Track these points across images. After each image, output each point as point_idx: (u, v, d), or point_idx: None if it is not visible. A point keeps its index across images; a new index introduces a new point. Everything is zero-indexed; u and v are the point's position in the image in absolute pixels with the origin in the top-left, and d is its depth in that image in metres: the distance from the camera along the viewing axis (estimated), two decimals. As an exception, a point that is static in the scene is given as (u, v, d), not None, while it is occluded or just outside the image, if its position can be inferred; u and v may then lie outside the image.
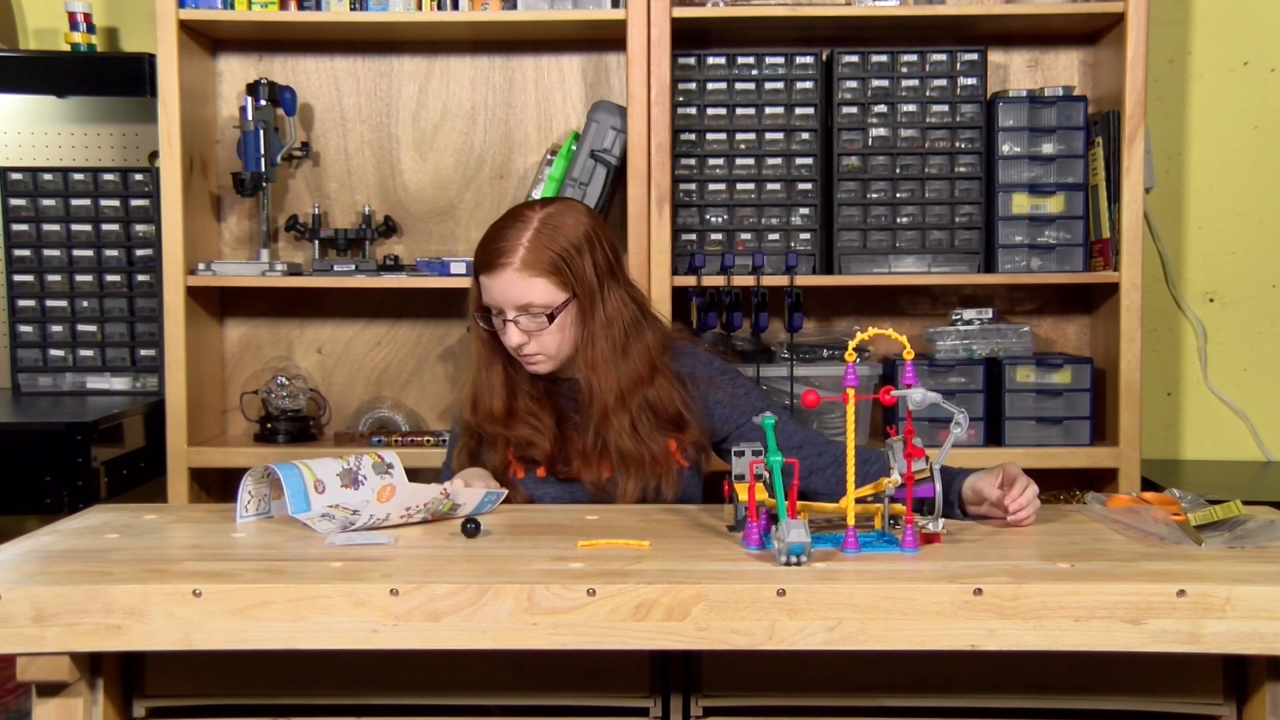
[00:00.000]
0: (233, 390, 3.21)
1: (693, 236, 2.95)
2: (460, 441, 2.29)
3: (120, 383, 3.25)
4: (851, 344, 1.82)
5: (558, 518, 2.03)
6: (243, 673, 1.71)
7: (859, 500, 1.80)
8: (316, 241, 3.11)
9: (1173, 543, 1.77)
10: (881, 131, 2.94)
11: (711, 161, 2.95)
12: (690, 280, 2.88)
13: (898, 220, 2.95)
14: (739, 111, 2.94)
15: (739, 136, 2.94)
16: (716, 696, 1.71)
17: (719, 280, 2.87)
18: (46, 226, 3.24)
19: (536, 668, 1.70)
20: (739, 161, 2.95)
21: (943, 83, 2.94)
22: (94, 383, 3.26)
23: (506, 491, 2.10)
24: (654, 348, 2.22)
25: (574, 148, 2.98)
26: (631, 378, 2.18)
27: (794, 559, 1.65)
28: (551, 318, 2.14)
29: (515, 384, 2.23)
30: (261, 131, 2.99)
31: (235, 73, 3.16)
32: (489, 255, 2.16)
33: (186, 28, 2.94)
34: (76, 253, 3.25)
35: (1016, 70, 3.14)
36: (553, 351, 2.18)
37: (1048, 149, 2.95)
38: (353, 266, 3.02)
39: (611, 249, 2.22)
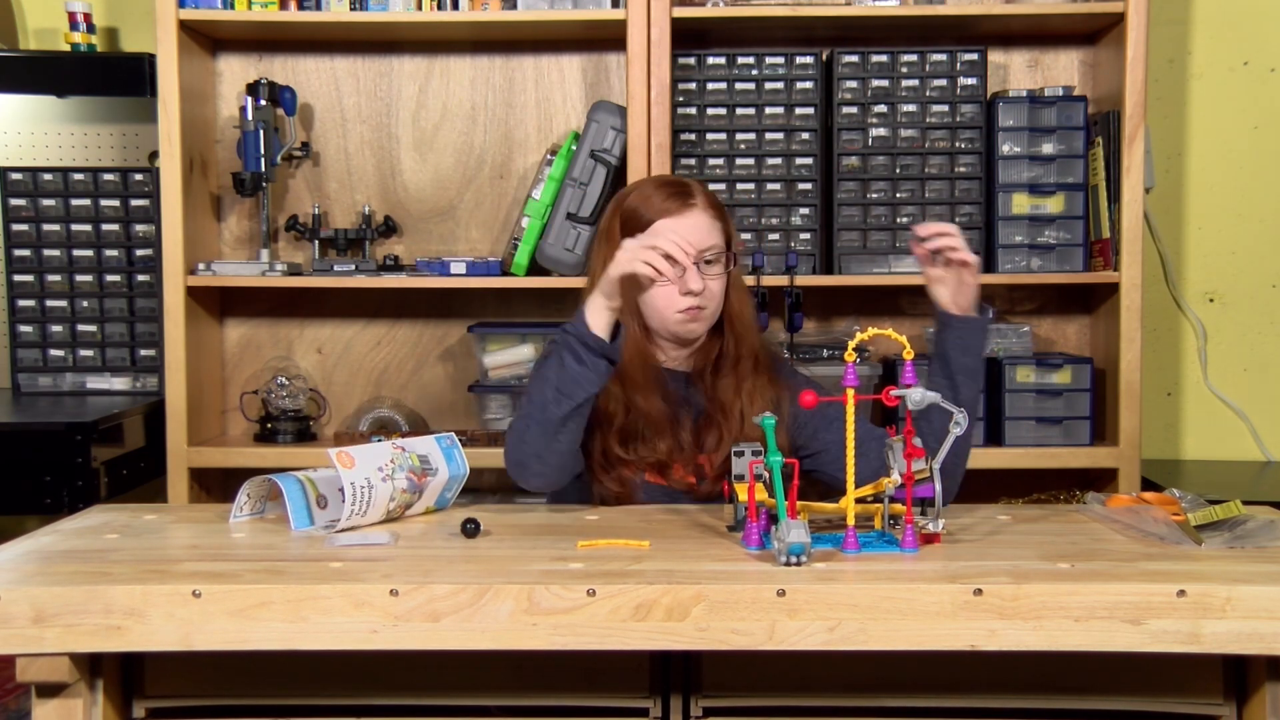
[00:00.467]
0: (233, 390, 3.21)
1: (693, 236, 2.95)
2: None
3: (120, 383, 3.25)
4: (851, 344, 1.82)
5: (558, 518, 2.03)
6: (243, 673, 1.71)
7: (859, 500, 1.80)
8: (316, 241, 3.11)
9: (1173, 543, 1.77)
10: (881, 131, 2.94)
11: (711, 161, 2.95)
12: (690, 280, 2.87)
13: (898, 220, 2.95)
14: (739, 111, 2.94)
15: (739, 136, 2.95)
16: (716, 697, 1.71)
17: (719, 280, 2.87)
18: (46, 226, 3.24)
19: (536, 668, 1.70)
20: (739, 161, 2.95)
21: (943, 83, 2.94)
22: (94, 383, 3.26)
23: (453, 434, 2.05)
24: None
25: (574, 148, 2.98)
26: (762, 344, 2.21)
27: (794, 559, 1.65)
28: (729, 262, 2.14)
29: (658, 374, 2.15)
30: (261, 131, 2.99)
31: (235, 73, 3.16)
32: (673, 197, 2.12)
33: (186, 28, 2.94)
34: (76, 253, 3.25)
35: (1016, 70, 3.14)
36: (716, 305, 2.14)
37: (1048, 149, 2.95)
38: (353, 266, 3.03)
39: None
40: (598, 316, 1.98)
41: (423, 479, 1.95)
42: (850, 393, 1.76)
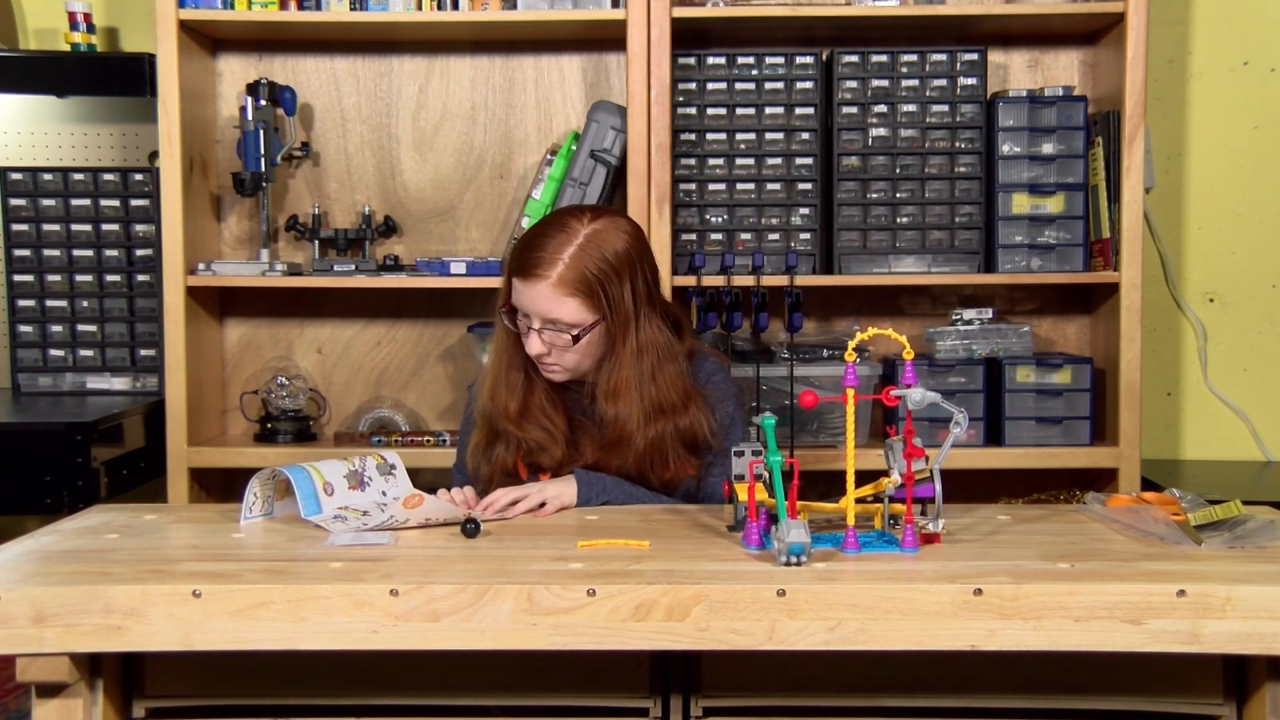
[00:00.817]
0: (233, 390, 3.21)
1: (693, 236, 2.95)
2: (478, 432, 2.27)
3: (120, 383, 3.25)
4: (851, 344, 1.82)
5: (558, 518, 2.03)
6: (243, 673, 1.71)
7: (859, 500, 1.80)
8: (316, 241, 3.11)
9: (1173, 543, 1.77)
10: (881, 131, 2.94)
11: (711, 161, 2.95)
12: (690, 280, 2.88)
13: (898, 220, 2.95)
14: (739, 111, 2.94)
15: (739, 136, 2.94)
16: (716, 697, 1.71)
17: (719, 280, 2.87)
18: (46, 226, 3.24)
19: (536, 668, 1.70)
20: (739, 161, 2.95)
21: (943, 83, 2.94)
22: (94, 383, 3.26)
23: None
24: (685, 374, 2.19)
25: (574, 148, 2.98)
26: (656, 405, 2.15)
27: (794, 559, 1.65)
28: (577, 339, 2.12)
29: (533, 383, 2.21)
30: (261, 131, 2.99)
31: (235, 73, 3.16)
32: (526, 263, 2.11)
33: (186, 28, 2.94)
34: (76, 253, 3.25)
35: (1016, 70, 3.14)
36: (571, 367, 2.17)
37: (1048, 149, 2.95)
38: (353, 266, 3.03)
39: (653, 272, 2.20)
40: None
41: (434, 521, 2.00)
42: (850, 393, 1.76)
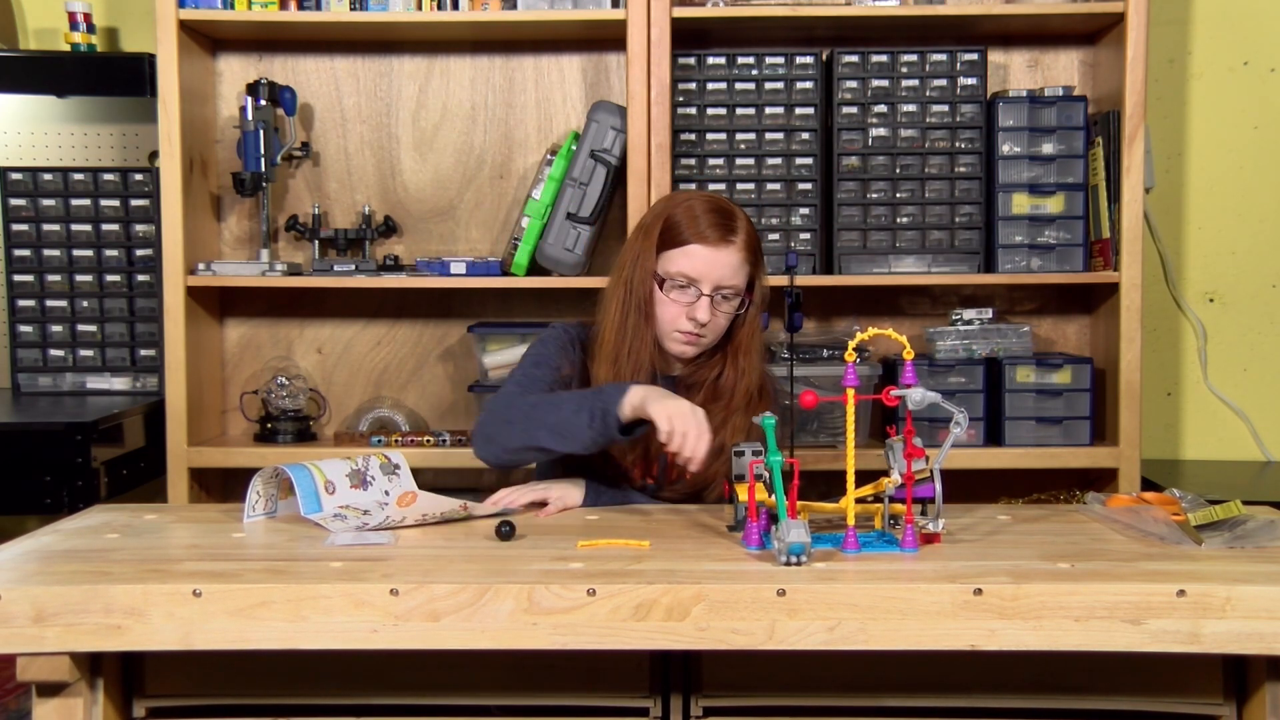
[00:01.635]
0: (233, 390, 3.21)
1: (693, 236, 2.95)
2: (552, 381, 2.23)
3: (120, 383, 3.25)
4: (851, 344, 1.82)
5: (558, 517, 2.03)
6: (243, 673, 1.71)
7: (859, 500, 1.80)
8: (316, 241, 3.11)
9: (1173, 543, 1.77)
10: (881, 131, 2.94)
11: (711, 161, 2.95)
12: (690, 280, 2.87)
13: (898, 220, 2.95)
14: (739, 111, 2.94)
15: (739, 136, 2.94)
16: (716, 696, 1.71)
17: (719, 280, 2.87)
18: (46, 226, 3.24)
19: (536, 668, 1.70)
20: (739, 161, 2.95)
21: (943, 83, 2.94)
22: (94, 383, 3.26)
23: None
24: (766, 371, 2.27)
25: (574, 148, 2.98)
26: (759, 385, 2.22)
27: (794, 559, 1.65)
28: (744, 303, 2.18)
29: (650, 364, 2.20)
30: (261, 131, 2.99)
31: (235, 73, 3.16)
32: (717, 229, 2.16)
33: (186, 28, 2.94)
34: (76, 253, 3.25)
35: (1016, 70, 3.14)
36: (715, 336, 2.20)
37: (1048, 149, 2.95)
38: (353, 266, 3.03)
39: None
40: (632, 407, 2.01)
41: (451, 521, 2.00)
42: (850, 393, 1.76)
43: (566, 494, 2.10)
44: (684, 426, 1.95)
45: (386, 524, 1.89)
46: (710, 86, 2.94)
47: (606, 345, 2.19)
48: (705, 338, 2.18)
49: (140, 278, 3.25)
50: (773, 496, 1.73)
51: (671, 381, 2.22)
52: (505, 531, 1.84)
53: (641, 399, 2.00)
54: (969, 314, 3.02)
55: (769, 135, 2.94)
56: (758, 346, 2.24)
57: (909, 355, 1.79)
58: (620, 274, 2.22)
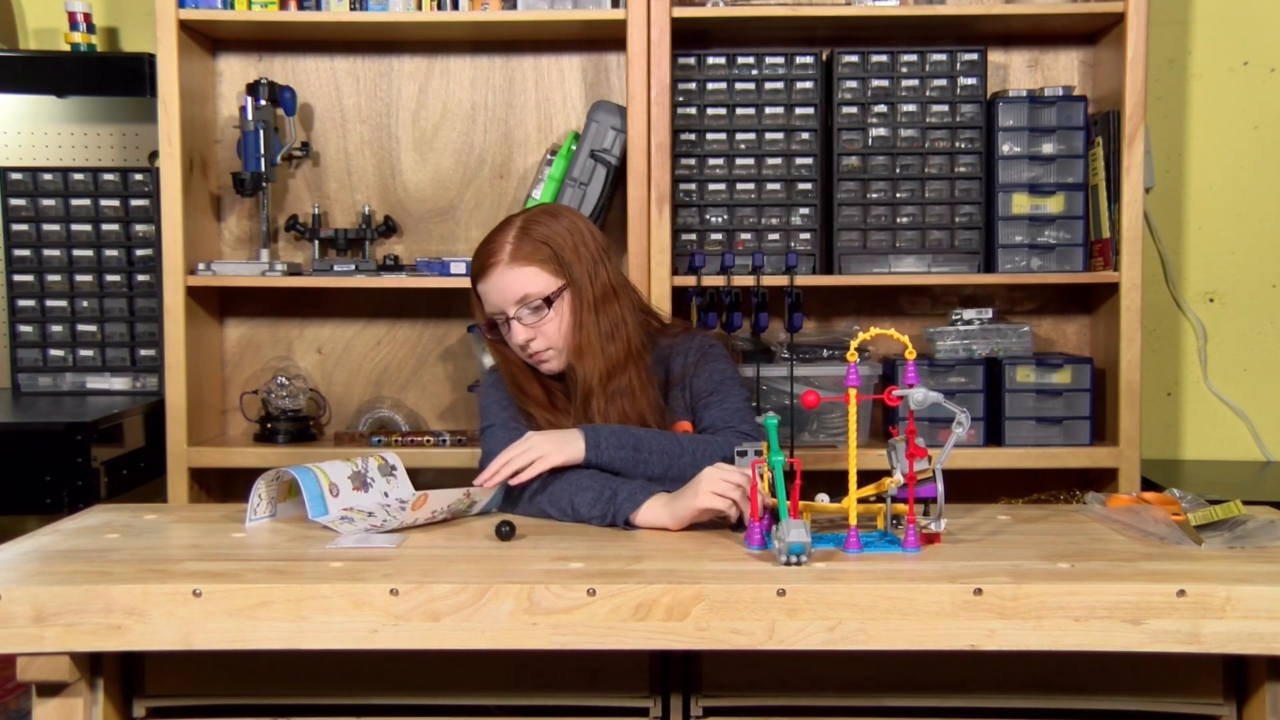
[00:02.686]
0: (233, 390, 3.21)
1: (693, 236, 2.95)
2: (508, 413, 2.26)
3: (120, 383, 3.25)
4: (853, 344, 1.82)
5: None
6: (243, 673, 1.71)
7: (861, 500, 1.80)
8: (316, 241, 3.11)
9: (1173, 543, 1.77)
10: (881, 131, 2.94)
11: (711, 161, 2.95)
12: (690, 280, 2.88)
13: (898, 220, 2.95)
14: (739, 111, 2.94)
15: (739, 136, 2.94)
16: (716, 696, 1.71)
17: (719, 280, 2.87)
18: (46, 226, 3.24)
19: (536, 668, 1.70)
20: (739, 161, 2.95)
21: (943, 83, 2.93)
22: (94, 383, 3.26)
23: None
24: (634, 339, 2.24)
25: (574, 148, 2.98)
26: (616, 362, 2.21)
27: (794, 559, 1.65)
28: (549, 302, 2.18)
29: (542, 380, 2.27)
30: (261, 131, 2.99)
31: (235, 73, 3.16)
32: (479, 262, 2.23)
33: (186, 28, 2.94)
34: (76, 253, 3.25)
35: (1016, 70, 3.14)
36: (558, 342, 2.21)
37: (1048, 149, 2.95)
38: (353, 266, 3.03)
39: (597, 241, 2.26)
40: (646, 523, 1.96)
41: (456, 517, 1.99)
42: (852, 393, 1.76)
43: (552, 452, 2.05)
44: (722, 503, 1.89)
45: (398, 525, 1.88)
46: (710, 86, 2.94)
47: (504, 389, 2.27)
48: (550, 348, 2.21)
49: (140, 278, 3.25)
50: (774, 497, 1.73)
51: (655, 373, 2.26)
52: (505, 531, 1.84)
53: (659, 518, 1.94)
54: (969, 314, 3.02)
55: (769, 135, 2.94)
56: (598, 338, 2.20)
57: (911, 355, 1.79)
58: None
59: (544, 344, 2.20)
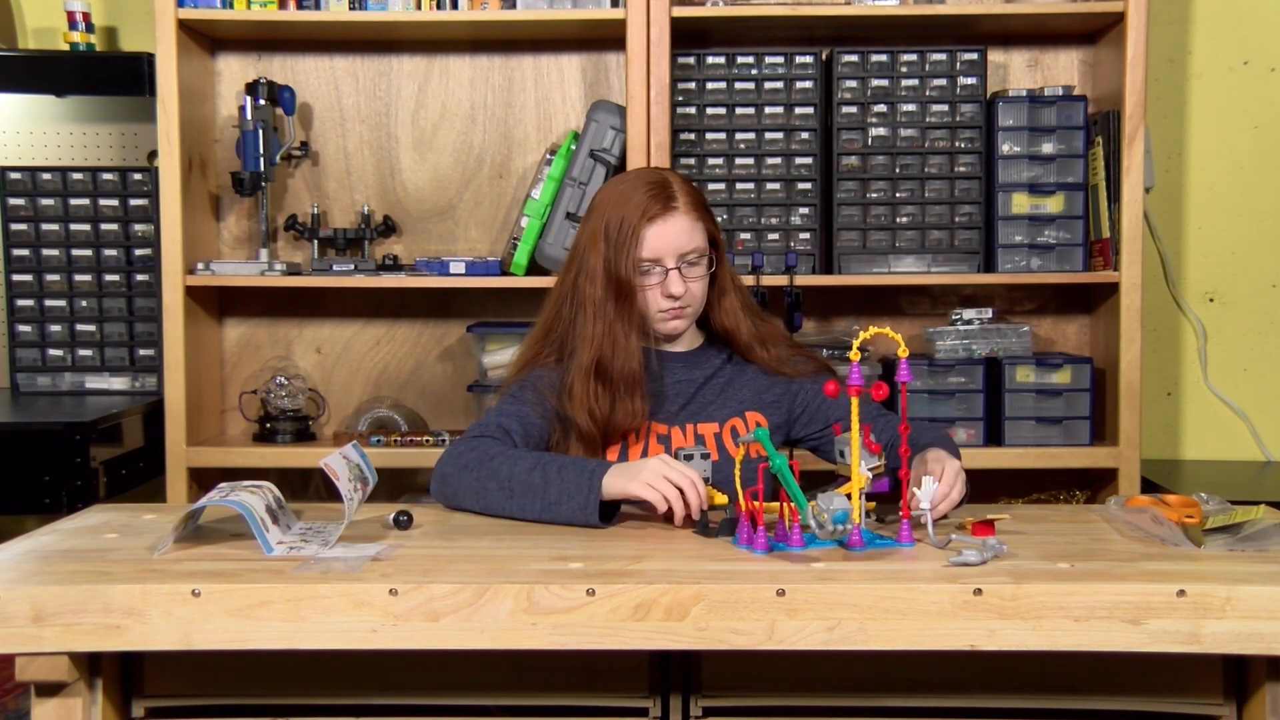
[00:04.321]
0: (232, 390, 3.21)
1: (692, 236, 2.95)
2: (533, 404, 2.15)
3: (119, 382, 3.25)
4: (855, 343, 1.81)
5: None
6: (242, 673, 1.71)
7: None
8: (315, 241, 3.11)
9: (1172, 544, 1.77)
10: (881, 131, 2.94)
11: (711, 161, 2.95)
12: (690, 280, 2.87)
13: (897, 220, 2.95)
14: (739, 111, 2.94)
15: (739, 136, 2.94)
16: (716, 696, 1.71)
17: (718, 280, 2.87)
18: (45, 226, 3.24)
19: (536, 668, 1.69)
20: (739, 161, 2.95)
21: (942, 82, 2.93)
22: (93, 382, 3.26)
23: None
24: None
25: (573, 147, 2.98)
26: (759, 331, 2.24)
27: (840, 527, 1.66)
28: (712, 262, 2.17)
29: (640, 349, 2.15)
30: (260, 131, 2.98)
31: (234, 72, 3.16)
32: (655, 205, 2.11)
33: (185, 27, 2.94)
34: (75, 252, 3.25)
35: (1016, 70, 3.14)
36: (698, 303, 2.19)
37: (1048, 149, 2.95)
38: (352, 266, 3.02)
39: None
40: (610, 495, 1.91)
41: (365, 486, 1.91)
42: (855, 401, 1.77)
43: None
44: (653, 495, 1.86)
45: (341, 529, 1.80)
46: (710, 86, 2.94)
47: (587, 354, 2.12)
48: (689, 307, 2.17)
49: (139, 277, 3.25)
50: (789, 496, 1.74)
51: (681, 357, 2.23)
52: (403, 521, 1.84)
53: (616, 488, 1.90)
54: (969, 314, 3.01)
55: (769, 135, 2.94)
56: (734, 298, 2.22)
57: (904, 353, 1.79)
58: (579, 283, 2.15)
59: (689, 300, 2.16)
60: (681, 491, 1.86)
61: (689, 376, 2.23)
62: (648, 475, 1.88)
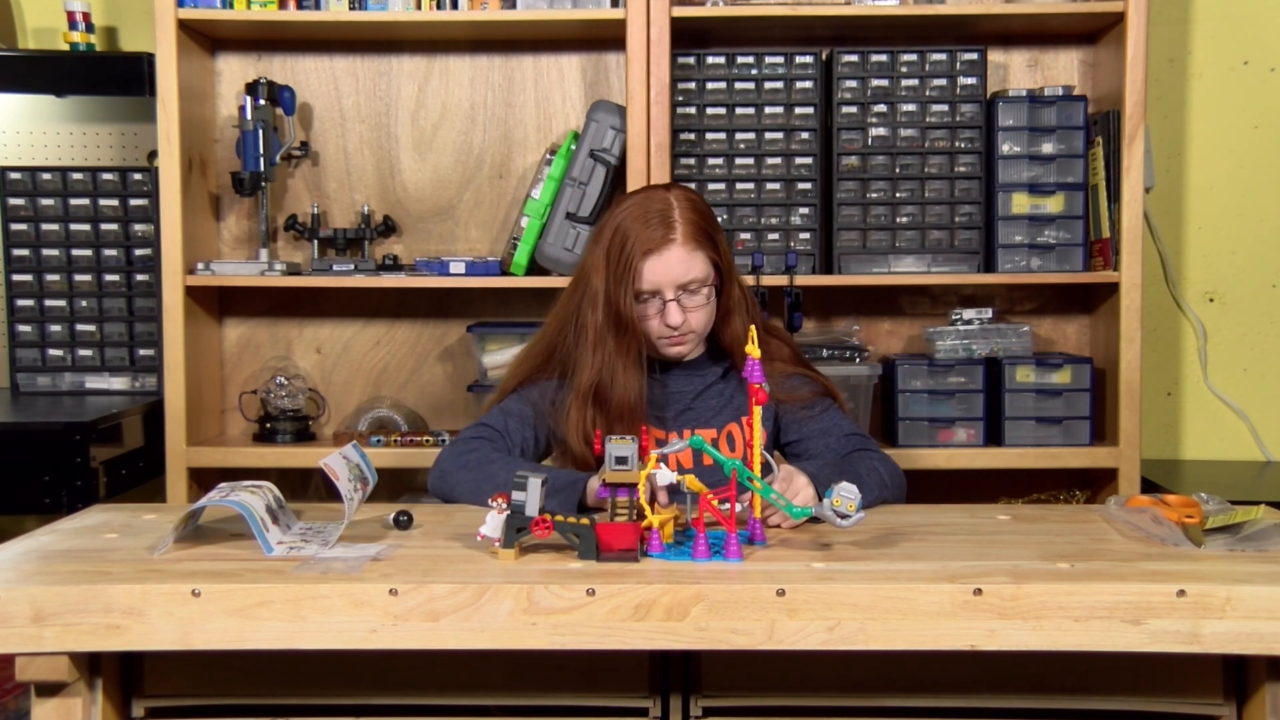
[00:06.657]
0: (232, 390, 3.21)
1: (692, 236, 2.95)
2: (523, 417, 2.19)
3: (119, 382, 3.25)
4: (751, 335, 1.83)
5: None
6: (242, 673, 1.71)
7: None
8: (315, 241, 3.11)
9: (1172, 544, 1.77)
10: (881, 131, 2.94)
11: (711, 161, 2.95)
12: (690, 280, 2.87)
13: (897, 220, 2.95)
14: (739, 111, 2.94)
15: (739, 136, 2.94)
16: (716, 696, 1.71)
17: (718, 280, 2.87)
18: (45, 226, 3.24)
19: (536, 668, 1.69)
20: (739, 161, 2.95)
21: (942, 82, 2.93)
22: (93, 382, 3.26)
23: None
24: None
25: (573, 147, 2.98)
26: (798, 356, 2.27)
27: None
28: (716, 291, 2.17)
29: (643, 374, 2.16)
30: (260, 131, 2.99)
31: (234, 72, 3.16)
32: (651, 233, 2.10)
33: (185, 27, 2.94)
34: (75, 252, 3.25)
35: (1016, 70, 3.14)
36: (701, 329, 2.18)
37: (1047, 149, 2.95)
38: (352, 266, 3.02)
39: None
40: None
41: (365, 486, 1.91)
42: (755, 398, 1.80)
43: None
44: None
45: (342, 528, 1.80)
46: (710, 86, 2.94)
47: (586, 379, 2.13)
48: (690, 334, 2.17)
49: (139, 277, 3.25)
50: (744, 495, 1.76)
51: (683, 365, 2.23)
52: (403, 521, 1.84)
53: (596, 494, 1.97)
54: (969, 314, 3.01)
55: (769, 135, 2.94)
56: (740, 322, 2.20)
57: (755, 354, 1.81)
58: (583, 306, 2.16)
59: (689, 328, 2.15)
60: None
61: (689, 385, 2.24)
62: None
